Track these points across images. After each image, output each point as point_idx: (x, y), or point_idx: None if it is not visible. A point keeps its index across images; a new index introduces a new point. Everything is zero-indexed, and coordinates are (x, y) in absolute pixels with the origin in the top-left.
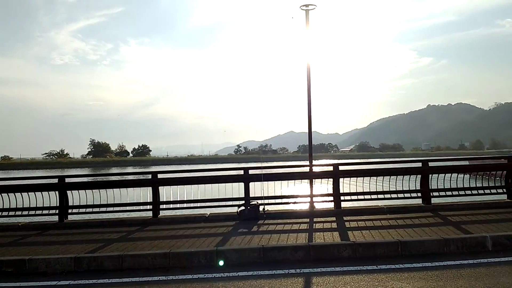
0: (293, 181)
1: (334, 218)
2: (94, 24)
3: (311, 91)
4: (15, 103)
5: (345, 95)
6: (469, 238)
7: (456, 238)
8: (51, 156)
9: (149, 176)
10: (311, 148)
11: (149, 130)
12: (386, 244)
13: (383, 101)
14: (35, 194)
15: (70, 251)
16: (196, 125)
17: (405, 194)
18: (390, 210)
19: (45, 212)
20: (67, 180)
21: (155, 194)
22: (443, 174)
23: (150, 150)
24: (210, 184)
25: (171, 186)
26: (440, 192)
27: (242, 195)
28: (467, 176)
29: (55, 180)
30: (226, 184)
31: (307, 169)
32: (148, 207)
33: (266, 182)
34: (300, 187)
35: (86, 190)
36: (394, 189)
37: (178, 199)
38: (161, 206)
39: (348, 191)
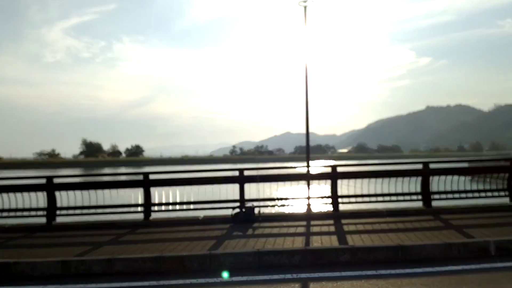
0: (290, 182)
1: (332, 221)
2: (87, 21)
3: (308, 91)
4: (5, 102)
5: (343, 96)
6: (471, 243)
7: (458, 242)
8: (42, 156)
9: (141, 177)
10: (308, 149)
11: (143, 130)
12: (386, 248)
13: (381, 102)
14: (22, 194)
15: (58, 254)
16: (191, 125)
17: (405, 197)
18: (389, 213)
19: (32, 213)
20: (55, 180)
21: (147, 195)
22: (444, 177)
23: (144, 151)
24: (204, 186)
25: (164, 187)
26: (441, 195)
27: (237, 197)
28: (467, 178)
29: (43, 181)
30: (221, 185)
31: (304, 170)
32: (140, 209)
33: (262, 183)
34: (297, 189)
35: (76, 191)
36: (394, 192)
37: (171, 201)
38: (153, 208)
39: (347, 193)
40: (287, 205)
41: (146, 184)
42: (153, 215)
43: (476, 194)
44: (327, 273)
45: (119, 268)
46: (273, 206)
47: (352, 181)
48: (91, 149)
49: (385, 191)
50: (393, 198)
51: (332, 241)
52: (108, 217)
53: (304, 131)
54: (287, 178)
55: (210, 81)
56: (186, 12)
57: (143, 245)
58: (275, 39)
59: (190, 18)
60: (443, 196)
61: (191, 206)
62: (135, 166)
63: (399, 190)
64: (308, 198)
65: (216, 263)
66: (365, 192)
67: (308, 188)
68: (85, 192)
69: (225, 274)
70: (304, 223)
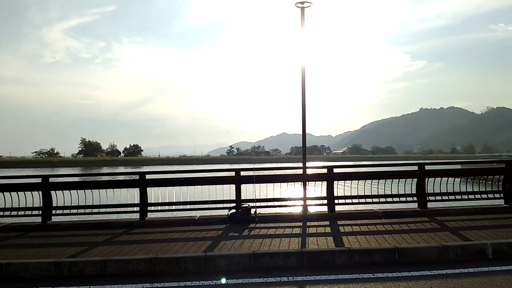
0: (286, 183)
1: (328, 222)
2: (87, 22)
3: (305, 92)
4: (4, 101)
5: (339, 98)
6: (469, 245)
7: (456, 245)
8: (41, 155)
9: (137, 177)
10: (304, 150)
11: (141, 130)
12: (383, 250)
13: (376, 104)
14: (17, 194)
15: (51, 255)
16: (189, 125)
17: (400, 198)
18: (385, 214)
19: (28, 212)
20: (52, 179)
21: (143, 195)
22: (440, 178)
23: (142, 150)
24: (201, 186)
25: (160, 187)
26: (436, 197)
27: (233, 197)
28: (458, 180)
29: (39, 180)
30: (217, 186)
31: (300, 171)
32: (136, 208)
33: (258, 184)
34: (293, 189)
35: (71, 191)
36: (389, 193)
37: (167, 201)
38: (149, 208)
39: (343, 194)
40: (284, 206)
41: (142, 184)
42: (149, 215)
43: (472, 196)
44: (323, 276)
45: (113, 269)
46: (269, 206)
47: (348, 182)
48: (90, 149)
49: (381, 192)
50: (389, 199)
51: (328, 243)
52: (104, 217)
53: (300, 132)
54: (284, 179)
55: (208, 82)
56: (184, 14)
57: (138, 245)
58: (273, 40)
59: (189, 19)
60: (439, 197)
61: (187, 206)
62: (133, 166)
63: (394, 192)
64: (304, 199)
65: (211, 264)
66: (360, 193)
67: (305, 189)
68: (81, 192)
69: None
70: (300, 224)
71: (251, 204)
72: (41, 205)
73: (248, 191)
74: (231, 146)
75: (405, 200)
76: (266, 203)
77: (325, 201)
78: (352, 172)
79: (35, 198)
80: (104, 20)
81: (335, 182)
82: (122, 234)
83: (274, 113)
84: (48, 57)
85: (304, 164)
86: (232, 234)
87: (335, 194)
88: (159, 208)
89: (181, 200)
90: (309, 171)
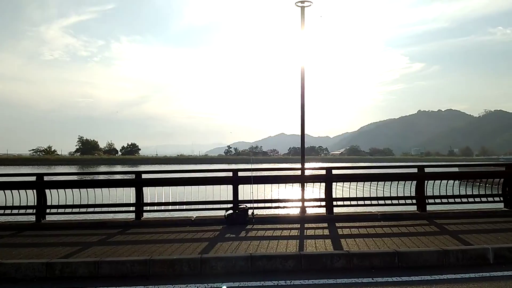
0: (284, 184)
1: (326, 224)
2: (85, 20)
3: (304, 93)
4: (2, 98)
5: (337, 99)
6: (469, 250)
7: (456, 249)
8: (38, 153)
9: (133, 176)
10: (303, 151)
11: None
12: (382, 254)
13: (374, 105)
14: (11, 192)
15: (44, 255)
16: (187, 124)
17: (399, 201)
18: (384, 217)
19: (22, 211)
20: (46, 178)
21: (139, 195)
22: (439, 181)
23: (139, 149)
24: (197, 186)
25: (156, 187)
26: (435, 199)
27: (231, 198)
28: (457, 182)
29: (33, 178)
30: (214, 186)
31: (298, 172)
32: (131, 208)
33: (256, 185)
34: (291, 190)
35: (66, 189)
36: (388, 195)
37: (163, 201)
38: (144, 208)
39: (341, 196)
40: (281, 207)
41: (138, 183)
42: (145, 215)
43: (471, 199)
44: (322, 280)
45: (106, 271)
46: (267, 208)
47: (346, 183)
48: (88, 147)
49: (380, 194)
50: (388, 201)
51: (326, 246)
52: (99, 216)
53: (298, 132)
54: (282, 180)
55: (207, 81)
56: (184, 13)
57: (132, 246)
58: (271, 41)
59: (188, 18)
60: (438, 200)
61: (184, 207)
62: (130, 165)
63: (393, 194)
64: (303, 200)
65: (207, 267)
66: (359, 195)
67: (303, 190)
68: (76, 191)
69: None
70: (298, 225)
71: (249, 205)
72: (36, 204)
73: (246, 191)
74: (228, 146)
75: (404, 202)
76: (263, 204)
77: (323, 203)
78: (351, 174)
79: (29, 197)
80: (103, 19)
81: (334, 183)
82: (117, 234)
83: (272, 113)
84: (47, 54)
85: (303, 165)
86: (229, 235)
87: (334, 196)
88: (155, 208)
89: (178, 200)
90: (307, 172)
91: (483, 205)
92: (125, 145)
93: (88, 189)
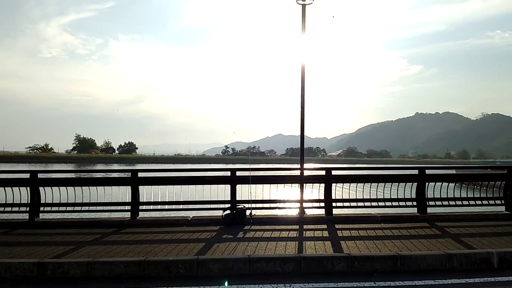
0: (283, 184)
1: (325, 226)
2: (84, 18)
3: (304, 92)
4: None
5: (335, 100)
6: (473, 254)
7: (460, 253)
8: (35, 150)
9: (129, 175)
10: (302, 151)
11: (137, 128)
12: (384, 258)
13: (372, 107)
14: (5, 189)
15: (36, 255)
16: (184, 124)
17: (400, 203)
18: (383, 219)
19: (15, 209)
20: (41, 175)
21: (134, 193)
22: (440, 183)
23: (137, 148)
24: (195, 186)
25: (153, 186)
26: (436, 202)
27: (228, 198)
28: (457, 185)
29: (27, 175)
30: (212, 185)
31: (297, 172)
32: (127, 207)
33: (254, 185)
34: (290, 191)
35: (61, 187)
36: (388, 197)
37: (159, 200)
38: (140, 207)
39: (340, 197)
40: (280, 208)
41: (134, 182)
42: (141, 215)
43: (472, 202)
44: (322, 284)
45: (100, 272)
46: (265, 208)
47: (346, 184)
48: (85, 145)
49: (379, 196)
50: (388, 203)
51: (326, 248)
52: (94, 215)
53: (295, 133)
54: (280, 180)
55: (205, 81)
56: (182, 12)
57: (127, 246)
58: (270, 41)
59: (186, 18)
60: (438, 203)
61: (180, 206)
62: (127, 163)
63: (393, 196)
64: (301, 201)
65: (204, 269)
66: (358, 196)
67: (302, 190)
68: (71, 189)
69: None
70: (296, 227)
71: (247, 205)
72: (29, 202)
73: (244, 192)
74: (226, 146)
75: (404, 204)
76: (261, 204)
77: (322, 204)
78: (351, 175)
79: (23, 194)
80: (102, 17)
81: (333, 184)
82: (111, 234)
83: (270, 114)
84: (45, 52)
85: (302, 165)
86: (226, 236)
87: (333, 197)
88: (151, 207)
89: (174, 200)
90: (306, 173)
91: (484, 208)
92: (122, 144)
93: (83, 187)
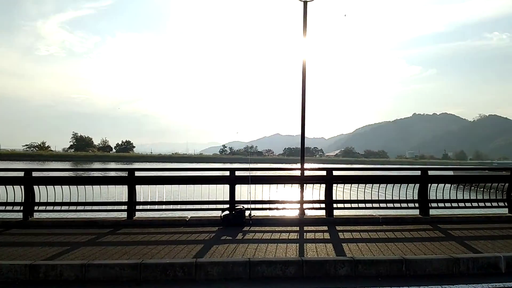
0: (283, 185)
1: (326, 227)
2: (82, 16)
3: (305, 92)
4: None
5: (332, 100)
6: (481, 258)
7: (467, 257)
8: (32, 148)
9: (126, 174)
10: (303, 151)
11: (134, 126)
12: (389, 262)
13: (370, 107)
14: None
15: (28, 256)
16: (182, 123)
17: (401, 204)
18: (385, 221)
19: (9, 208)
20: (35, 174)
21: (131, 193)
22: (442, 184)
23: (134, 147)
24: (193, 185)
25: (150, 185)
26: (438, 203)
27: (227, 198)
28: (454, 186)
29: (21, 173)
30: (210, 185)
31: (298, 172)
32: (123, 207)
33: (253, 185)
34: (290, 191)
35: (56, 186)
36: (390, 198)
37: (157, 200)
38: (137, 207)
39: (341, 198)
40: (279, 209)
41: (131, 181)
42: (138, 215)
43: (475, 204)
44: None
45: (94, 275)
46: (264, 209)
47: (347, 185)
48: (82, 143)
49: (381, 197)
50: (389, 204)
51: (327, 250)
52: (89, 214)
53: (293, 133)
54: (281, 180)
55: (203, 80)
56: (181, 11)
57: (123, 247)
58: (269, 41)
59: (185, 17)
60: (441, 204)
61: (178, 206)
62: (124, 162)
63: (395, 197)
64: (302, 202)
65: (202, 272)
66: (360, 197)
67: (302, 191)
68: (66, 188)
69: None
70: (297, 228)
71: (246, 206)
72: (23, 201)
73: (243, 192)
74: (224, 145)
75: (406, 206)
76: (261, 205)
77: (323, 205)
78: (352, 175)
79: (17, 193)
80: (100, 15)
81: (334, 185)
82: (107, 234)
83: (268, 113)
84: (43, 50)
85: (302, 165)
86: (225, 237)
87: (334, 198)
88: (148, 207)
89: (172, 200)
90: (307, 173)
91: (487, 210)
92: (120, 143)
93: (78, 186)
